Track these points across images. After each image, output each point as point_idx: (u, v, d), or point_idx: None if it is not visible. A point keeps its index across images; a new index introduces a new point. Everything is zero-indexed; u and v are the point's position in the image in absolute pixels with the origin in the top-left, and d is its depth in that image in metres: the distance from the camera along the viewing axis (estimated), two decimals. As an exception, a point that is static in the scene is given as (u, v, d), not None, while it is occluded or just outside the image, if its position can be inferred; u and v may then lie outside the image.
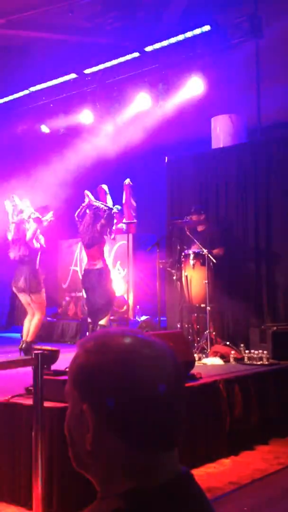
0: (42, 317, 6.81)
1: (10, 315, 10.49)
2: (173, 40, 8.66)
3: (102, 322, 6.67)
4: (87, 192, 6.92)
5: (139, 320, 8.02)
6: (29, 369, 3.25)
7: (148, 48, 8.86)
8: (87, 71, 9.58)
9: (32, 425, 2.82)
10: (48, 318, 8.50)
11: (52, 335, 8.51)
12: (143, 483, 0.84)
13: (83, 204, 6.89)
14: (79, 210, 6.93)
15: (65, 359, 4.02)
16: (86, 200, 6.87)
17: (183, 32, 8.50)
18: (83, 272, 6.96)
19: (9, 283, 9.68)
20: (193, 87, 8.72)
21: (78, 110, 9.87)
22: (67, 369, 3.76)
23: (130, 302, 8.45)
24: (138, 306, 8.54)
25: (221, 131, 8.11)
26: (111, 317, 7.78)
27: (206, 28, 8.31)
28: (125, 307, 8.27)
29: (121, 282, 8.74)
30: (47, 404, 3.06)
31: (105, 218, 6.66)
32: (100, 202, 6.85)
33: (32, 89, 10.29)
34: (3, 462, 3.47)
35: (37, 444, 2.71)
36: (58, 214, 9.05)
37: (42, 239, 6.79)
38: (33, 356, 3.04)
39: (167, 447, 0.87)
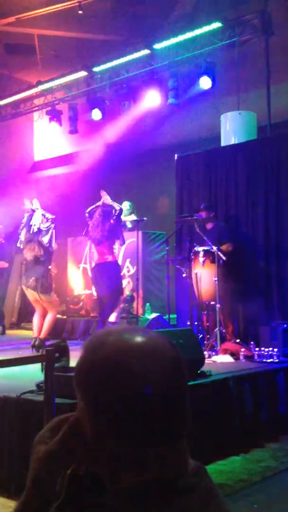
0: (55, 314, 6.85)
1: (20, 312, 10.54)
2: (183, 37, 8.64)
3: (112, 318, 6.71)
4: (103, 192, 6.96)
5: (149, 317, 8.02)
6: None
7: (158, 46, 8.85)
8: (96, 69, 9.59)
9: (43, 421, 2.84)
10: (58, 316, 8.53)
11: (61, 332, 8.53)
12: (146, 478, 0.84)
13: (98, 203, 6.93)
14: (92, 207, 6.97)
15: (74, 356, 4.05)
16: (102, 199, 6.91)
17: (193, 29, 8.49)
18: (93, 267, 7.01)
19: (19, 281, 9.74)
20: (203, 84, 8.70)
21: (88, 107, 9.89)
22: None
23: (140, 299, 8.45)
24: (147, 304, 8.54)
25: (231, 128, 8.07)
26: (122, 315, 7.81)
27: (216, 25, 8.28)
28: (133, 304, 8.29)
29: (130, 280, 8.75)
30: (57, 400, 3.08)
31: (114, 219, 6.70)
32: (116, 204, 6.89)
33: (42, 87, 10.32)
34: (14, 459, 3.49)
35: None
36: (66, 212, 9.09)
37: (53, 240, 6.84)
38: (44, 353, 3.06)
39: (166, 442, 0.85)
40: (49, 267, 6.73)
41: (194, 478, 0.87)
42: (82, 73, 9.78)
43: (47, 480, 0.91)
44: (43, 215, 6.81)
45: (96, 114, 9.77)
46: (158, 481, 0.84)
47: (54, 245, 6.78)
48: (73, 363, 3.96)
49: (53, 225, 6.78)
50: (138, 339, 0.88)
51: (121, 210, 6.88)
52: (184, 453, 0.88)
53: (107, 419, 0.84)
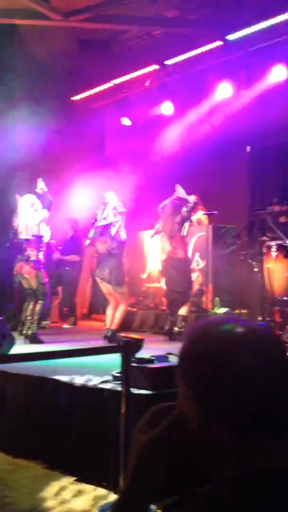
0: (126, 307, 6.97)
1: (91, 304, 10.75)
2: (256, 27, 8.47)
3: (182, 312, 6.73)
4: (177, 186, 6.98)
5: (218, 312, 7.96)
6: (112, 356, 3.34)
7: (231, 37, 8.72)
8: (168, 62, 9.58)
9: (120, 411, 2.89)
10: (128, 308, 8.63)
11: (131, 324, 8.64)
12: (250, 470, 0.84)
13: (171, 197, 6.97)
14: (165, 202, 7.01)
15: (145, 348, 4.09)
16: (175, 193, 6.94)
17: (267, 19, 8.30)
18: (163, 259, 7.08)
19: (91, 273, 9.94)
20: (277, 74, 8.51)
21: (159, 101, 9.90)
22: (152, 357, 3.82)
23: (209, 294, 8.40)
24: (216, 298, 8.47)
25: (306, 119, 7.86)
26: (192, 309, 7.79)
27: (292, 13, 8.05)
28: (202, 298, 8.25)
29: (200, 274, 8.70)
30: (132, 390, 3.12)
31: (188, 211, 6.73)
32: (190, 197, 6.90)
33: (114, 81, 10.43)
34: (92, 447, 3.57)
35: (126, 430, 2.78)
36: (138, 207, 9.16)
37: (123, 232, 6.91)
38: (120, 344, 3.12)
39: (272, 434, 0.85)
40: (122, 260, 6.83)
41: None
42: (154, 67, 9.80)
43: (148, 468, 0.92)
44: (114, 208, 6.89)
45: (167, 108, 9.76)
46: (262, 474, 0.83)
47: (123, 236, 6.84)
48: (139, 355, 4.01)
49: (122, 218, 6.83)
50: (242, 328, 0.89)
51: (195, 203, 6.88)
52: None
53: (215, 409, 0.85)
